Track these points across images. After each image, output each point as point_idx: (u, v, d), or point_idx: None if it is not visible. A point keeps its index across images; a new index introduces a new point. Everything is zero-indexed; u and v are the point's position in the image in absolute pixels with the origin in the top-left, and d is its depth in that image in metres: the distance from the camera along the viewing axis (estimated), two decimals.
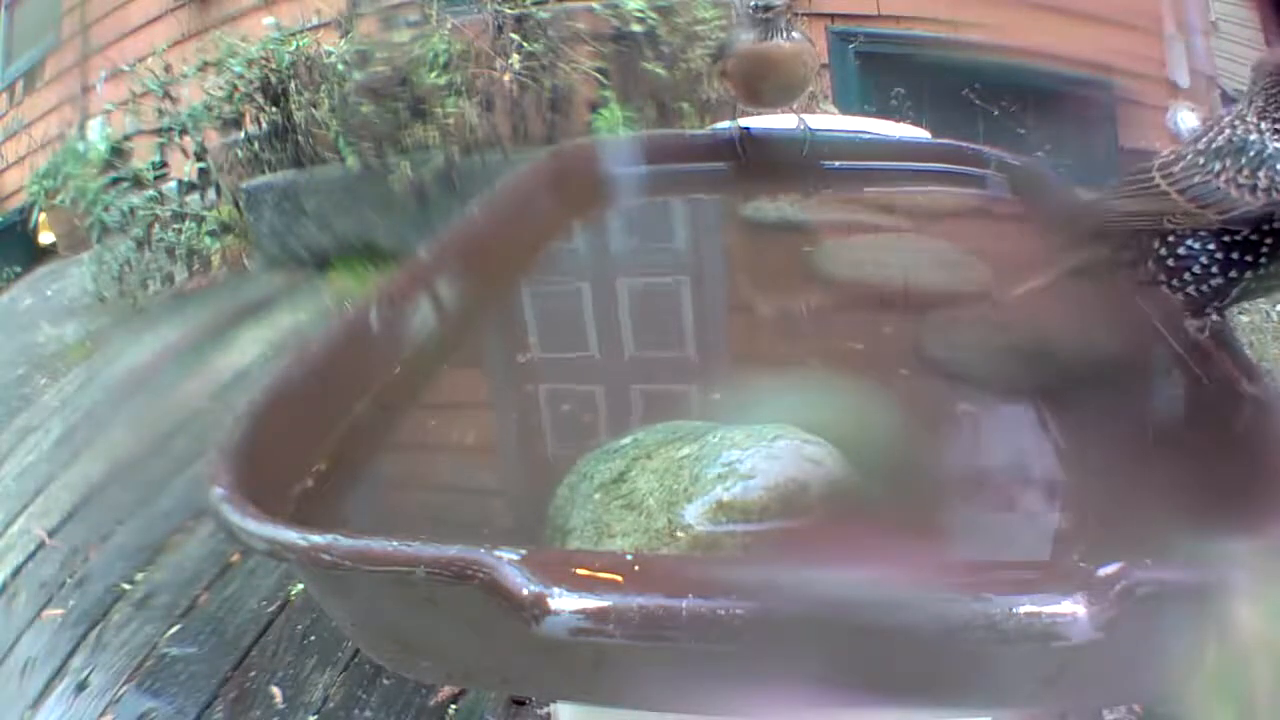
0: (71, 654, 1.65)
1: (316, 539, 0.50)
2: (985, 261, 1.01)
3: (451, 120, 2.78)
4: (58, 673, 1.62)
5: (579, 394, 0.85)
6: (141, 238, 3.20)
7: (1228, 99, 2.46)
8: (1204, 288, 0.70)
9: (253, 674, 1.55)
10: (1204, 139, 0.70)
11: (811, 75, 1.15)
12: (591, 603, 0.44)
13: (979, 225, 1.14)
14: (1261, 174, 0.66)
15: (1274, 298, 0.75)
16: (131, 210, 3.18)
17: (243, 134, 3.12)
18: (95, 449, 2.35)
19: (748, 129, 1.20)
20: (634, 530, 0.59)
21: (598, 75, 2.82)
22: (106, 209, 3.18)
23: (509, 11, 2.82)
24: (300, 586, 1.63)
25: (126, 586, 1.80)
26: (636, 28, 2.75)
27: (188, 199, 3.29)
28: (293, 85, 2.97)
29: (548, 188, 1.13)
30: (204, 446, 2.03)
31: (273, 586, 1.73)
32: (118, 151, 3.32)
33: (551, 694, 0.80)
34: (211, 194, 3.30)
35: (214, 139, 3.23)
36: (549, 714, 1.21)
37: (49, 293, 3.61)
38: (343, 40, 2.96)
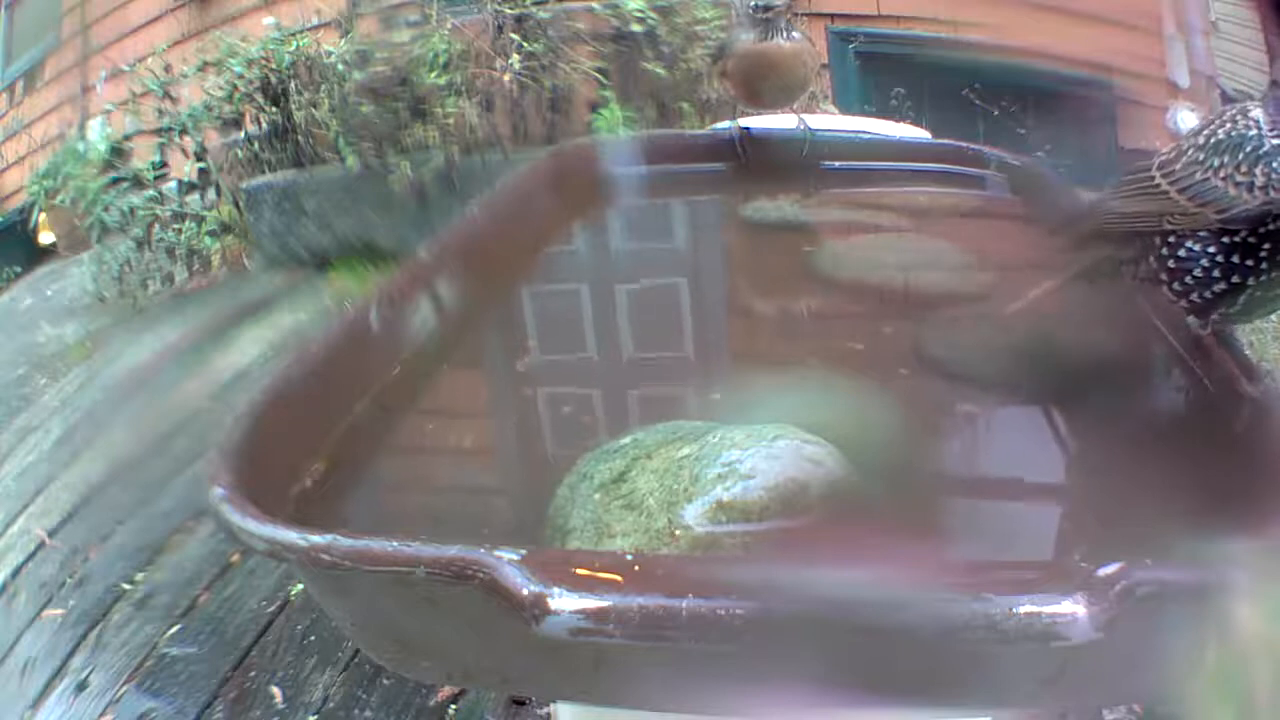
0: (71, 654, 1.65)
1: (316, 539, 0.50)
2: (985, 261, 1.01)
3: (451, 120, 2.78)
4: (58, 673, 1.62)
5: (579, 394, 0.85)
6: (141, 238, 3.21)
7: (1228, 99, 2.46)
8: (1207, 294, 0.68)
9: (253, 674, 1.55)
10: (1203, 133, 0.69)
11: (811, 75, 1.15)
12: (591, 603, 0.44)
13: (979, 225, 1.14)
14: (1259, 171, 0.65)
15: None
16: (131, 210, 3.18)
17: (243, 134, 3.12)
18: (95, 449, 2.35)
19: (748, 129, 1.20)
20: (634, 530, 0.59)
21: (598, 75, 2.82)
22: (106, 209, 3.18)
23: (509, 11, 2.82)
24: (300, 586, 1.63)
25: (126, 586, 1.80)
26: (636, 28, 2.75)
27: (188, 199, 3.29)
28: (293, 85, 2.97)
29: (548, 188, 1.13)
30: (204, 446, 2.04)
31: (273, 586, 1.73)
32: (118, 151, 3.32)
33: (551, 694, 0.80)
34: (211, 194, 3.30)
35: (214, 139, 3.23)
36: (549, 714, 1.21)
37: (49, 293, 3.61)
38: (343, 40, 2.96)
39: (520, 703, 1.42)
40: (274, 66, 2.97)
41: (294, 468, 0.64)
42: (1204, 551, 0.46)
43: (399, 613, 0.54)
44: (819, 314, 0.95)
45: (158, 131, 3.24)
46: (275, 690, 1.51)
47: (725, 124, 1.23)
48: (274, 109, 3.02)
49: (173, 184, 3.30)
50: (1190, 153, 0.69)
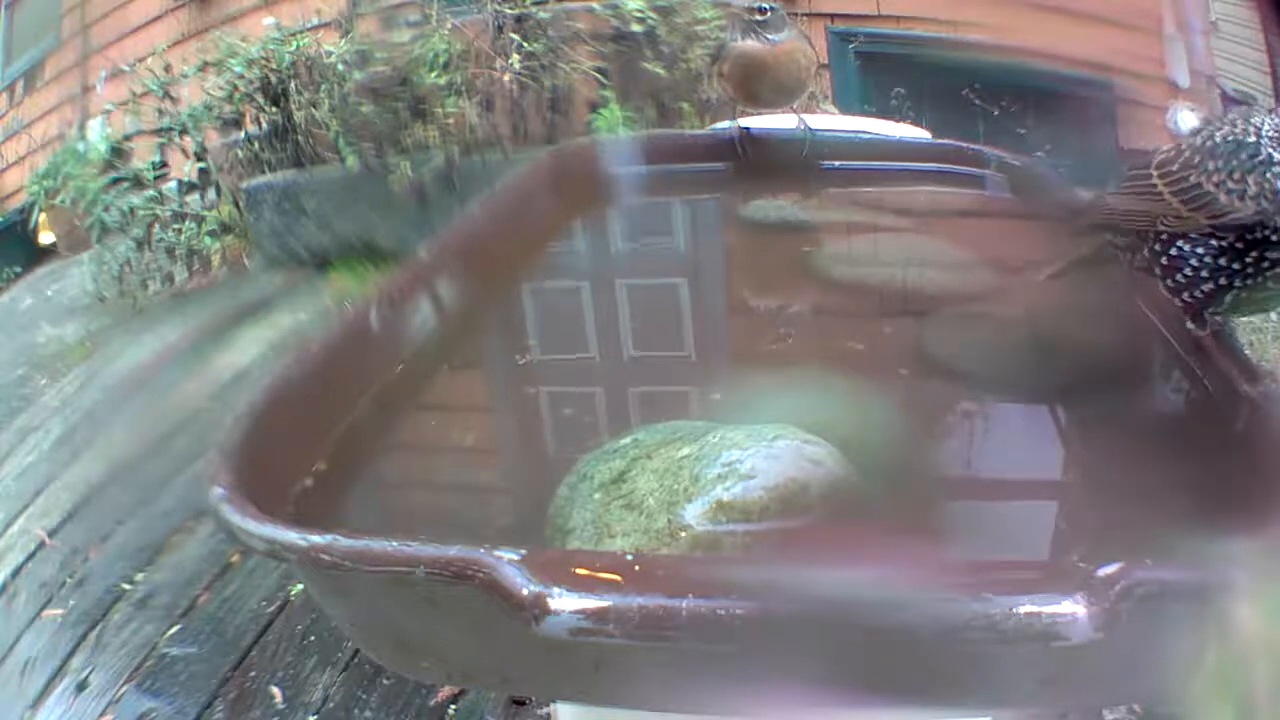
0: (71, 654, 1.65)
1: (316, 539, 0.50)
2: (985, 261, 1.01)
3: (451, 120, 2.78)
4: (58, 673, 1.62)
5: (579, 394, 0.85)
6: (141, 238, 3.20)
7: (1228, 99, 2.46)
8: (1196, 292, 0.69)
9: (253, 674, 1.55)
10: (1200, 136, 0.69)
11: (808, 76, 1.15)
12: (591, 603, 0.44)
13: (979, 225, 1.14)
14: (1251, 180, 0.64)
15: (1270, 308, 0.74)
16: (131, 210, 3.18)
17: (243, 134, 3.11)
18: (95, 449, 2.35)
19: (748, 129, 1.20)
20: (634, 530, 0.59)
21: (598, 75, 2.81)
22: (106, 209, 3.18)
23: (509, 11, 2.82)
24: (300, 586, 1.63)
25: (126, 586, 1.80)
26: (636, 28, 2.75)
27: (188, 199, 3.28)
28: (293, 85, 2.97)
29: (548, 188, 1.13)
30: (204, 446, 2.04)
31: (273, 586, 1.73)
32: (118, 151, 3.32)
33: (551, 694, 0.80)
34: (211, 194, 3.30)
35: (214, 139, 3.23)
36: (549, 714, 1.21)
37: (49, 293, 3.61)
38: (343, 40, 2.96)
39: (520, 703, 1.42)
40: (274, 66, 2.97)
41: (294, 468, 0.64)
42: (1204, 551, 0.46)
43: (399, 613, 0.54)
44: (819, 314, 0.95)
45: (158, 131, 3.24)
46: (275, 690, 1.51)
47: (725, 124, 1.23)
48: (274, 109, 3.02)
49: (173, 184, 3.30)
50: (1187, 155, 0.68)
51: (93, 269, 3.30)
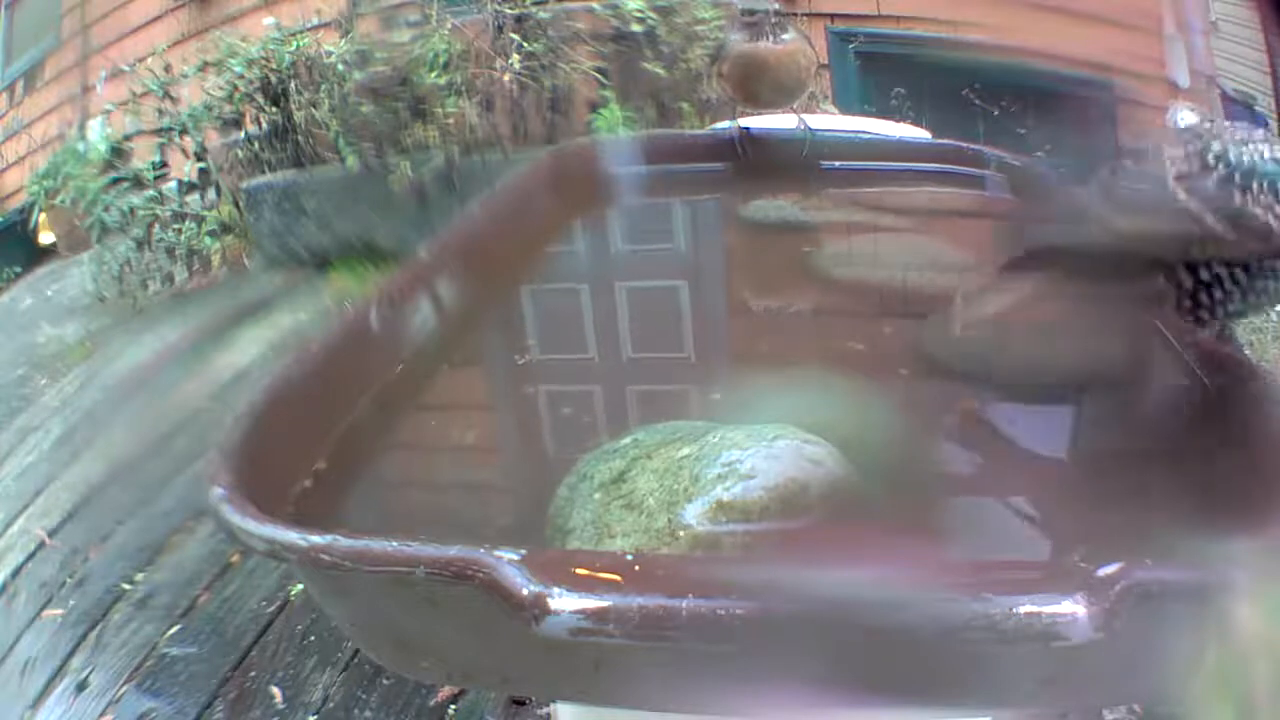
0: (71, 654, 1.65)
1: (316, 539, 0.50)
2: (985, 261, 1.01)
3: (451, 120, 2.78)
4: (58, 673, 1.62)
5: (579, 394, 0.85)
6: (141, 238, 3.20)
7: (1228, 99, 2.46)
8: (1220, 311, 0.66)
9: (253, 674, 1.55)
10: (1206, 150, 0.63)
11: (807, 77, 1.15)
12: (591, 603, 0.44)
13: (979, 225, 1.14)
14: None
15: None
16: (131, 210, 3.18)
17: (243, 134, 3.11)
18: (95, 449, 2.35)
19: (748, 129, 1.20)
20: (634, 530, 0.59)
21: (598, 75, 2.81)
22: (106, 209, 3.18)
23: (509, 11, 2.82)
24: (300, 586, 1.63)
25: (126, 586, 1.80)
26: (636, 28, 2.75)
27: (188, 199, 3.29)
28: (293, 85, 2.97)
29: (548, 188, 1.13)
30: (204, 446, 2.04)
31: (273, 586, 1.73)
32: (118, 151, 3.32)
33: (551, 694, 0.80)
34: (211, 194, 3.30)
35: (214, 139, 3.23)
36: (549, 714, 1.21)
37: (49, 293, 3.61)
38: (343, 40, 2.96)
39: (520, 703, 1.42)
40: (274, 66, 2.97)
41: (294, 468, 0.64)
42: (1204, 551, 0.46)
43: (399, 613, 0.54)
44: (819, 314, 0.95)
45: (158, 131, 3.24)
46: (275, 690, 1.51)
47: (725, 124, 1.23)
48: (274, 109, 3.02)
49: (173, 184, 3.30)
50: (1222, 172, 0.62)
51: (93, 269, 3.30)
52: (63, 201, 3.36)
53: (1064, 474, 0.69)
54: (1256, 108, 2.42)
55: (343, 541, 0.49)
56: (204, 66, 3.11)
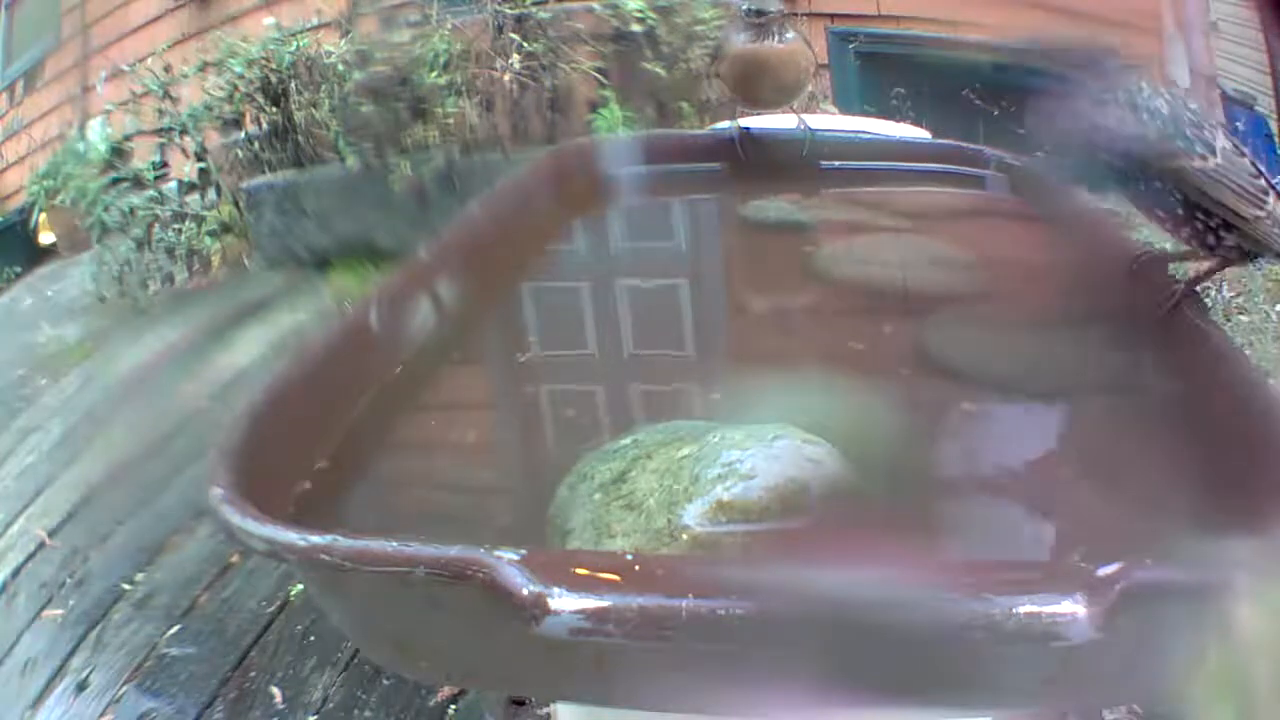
0: (71, 654, 1.65)
1: (316, 539, 0.50)
2: (985, 261, 1.01)
3: (451, 120, 2.78)
4: (58, 673, 1.62)
5: (579, 394, 0.85)
6: (141, 238, 3.20)
7: (1228, 99, 2.46)
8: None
9: (253, 674, 1.55)
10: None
11: (807, 77, 1.15)
12: (591, 603, 0.44)
13: (979, 225, 1.14)
14: None
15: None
16: (131, 210, 3.18)
17: (243, 134, 3.11)
18: (95, 449, 2.34)
19: (748, 129, 1.20)
20: (634, 530, 0.59)
21: (598, 75, 2.81)
22: (106, 209, 3.18)
23: (509, 11, 2.82)
24: (300, 586, 1.63)
25: (126, 586, 1.80)
26: (636, 28, 2.75)
27: (188, 199, 3.28)
28: (293, 85, 2.97)
29: (548, 188, 1.13)
30: (204, 446, 2.03)
31: (273, 586, 1.73)
32: (118, 151, 3.32)
33: (552, 694, 0.80)
34: (211, 194, 3.30)
35: (214, 139, 3.23)
36: (549, 714, 1.21)
37: (49, 293, 3.61)
38: (343, 40, 2.96)
39: (520, 703, 1.42)
40: (274, 66, 2.97)
41: (294, 468, 0.64)
42: (1204, 551, 0.46)
43: (399, 613, 0.54)
44: (819, 314, 0.95)
45: (158, 131, 3.24)
46: (275, 690, 1.51)
47: (725, 124, 1.23)
48: (274, 109, 3.02)
49: (173, 184, 3.30)
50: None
51: (93, 269, 3.29)
52: (63, 201, 3.36)
53: (1064, 474, 0.69)
54: (1256, 108, 2.42)
55: (343, 541, 0.49)
56: (204, 66, 3.11)
